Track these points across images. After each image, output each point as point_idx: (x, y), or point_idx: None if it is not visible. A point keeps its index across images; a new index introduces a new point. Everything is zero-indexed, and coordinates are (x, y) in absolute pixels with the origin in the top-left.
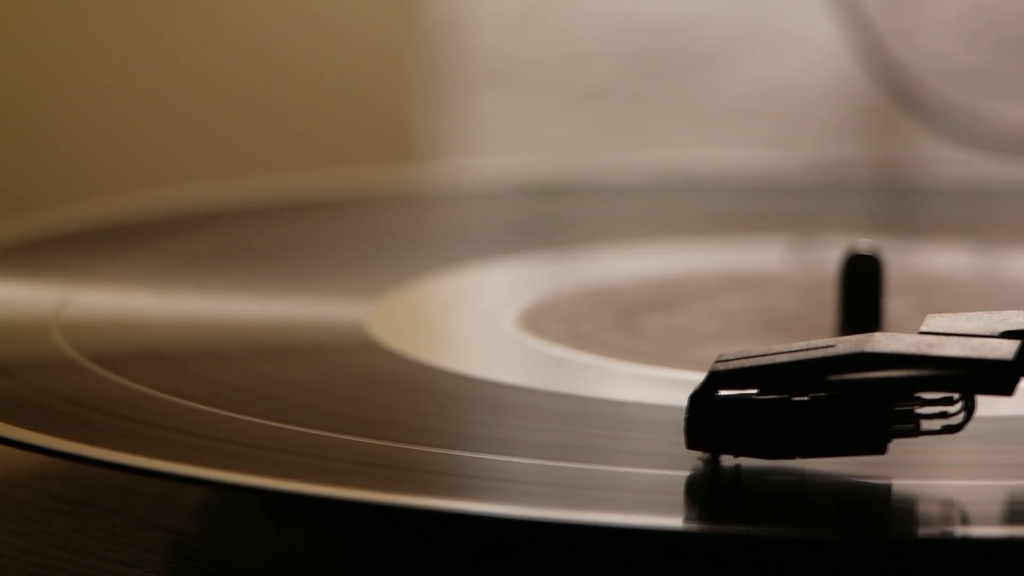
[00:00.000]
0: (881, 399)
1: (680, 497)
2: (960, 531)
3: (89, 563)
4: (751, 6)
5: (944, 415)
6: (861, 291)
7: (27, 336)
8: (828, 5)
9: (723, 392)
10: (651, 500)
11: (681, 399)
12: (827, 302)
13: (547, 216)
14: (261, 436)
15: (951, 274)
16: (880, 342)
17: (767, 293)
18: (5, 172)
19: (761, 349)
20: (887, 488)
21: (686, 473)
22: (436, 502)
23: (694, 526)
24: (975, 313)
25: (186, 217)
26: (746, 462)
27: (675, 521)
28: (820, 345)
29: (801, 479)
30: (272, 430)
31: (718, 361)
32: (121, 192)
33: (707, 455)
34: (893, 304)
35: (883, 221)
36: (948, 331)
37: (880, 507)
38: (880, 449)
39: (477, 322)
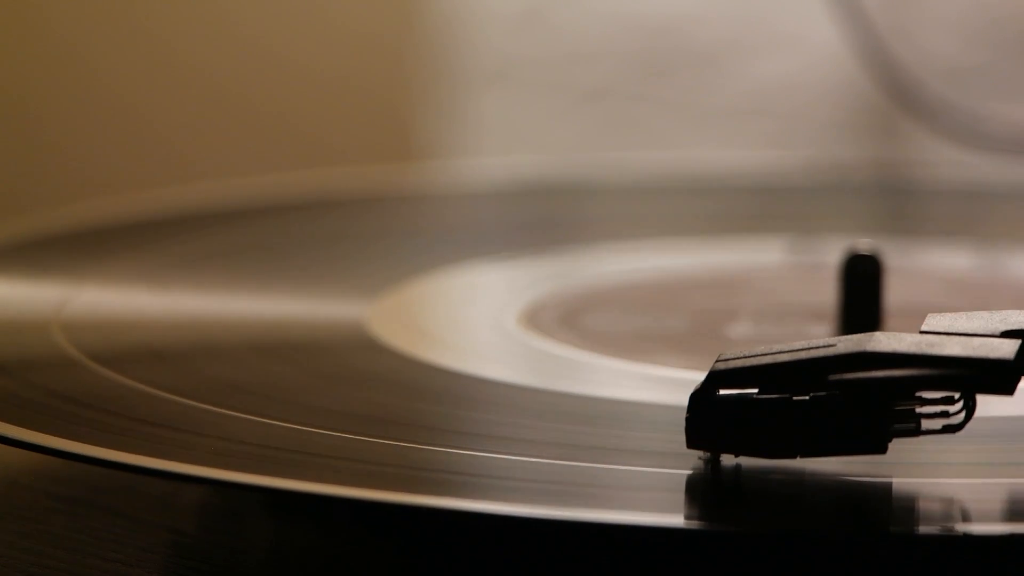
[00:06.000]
0: (882, 398)
1: (680, 496)
2: (960, 529)
3: (89, 563)
4: (751, 6)
5: (945, 414)
6: (861, 291)
7: (27, 335)
8: (828, 5)
9: (723, 391)
10: (651, 499)
11: (681, 398)
12: (827, 302)
13: (547, 216)
14: (261, 436)
15: (951, 274)
16: (881, 341)
17: (767, 293)
18: (5, 172)
19: (761, 348)
20: (887, 487)
21: (686, 472)
22: (436, 500)
23: (694, 525)
24: (975, 312)
25: (186, 217)
26: (746, 461)
27: (675, 520)
28: (821, 344)
29: (801, 478)
30: (272, 429)
31: (718, 360)
32: (121, 192)
33: (707, 454)
34: (893, 304)
35: (883, 221)
36: (948, 330)
37: (880, 506)
38: (881, 448)
39: (477, 321)
